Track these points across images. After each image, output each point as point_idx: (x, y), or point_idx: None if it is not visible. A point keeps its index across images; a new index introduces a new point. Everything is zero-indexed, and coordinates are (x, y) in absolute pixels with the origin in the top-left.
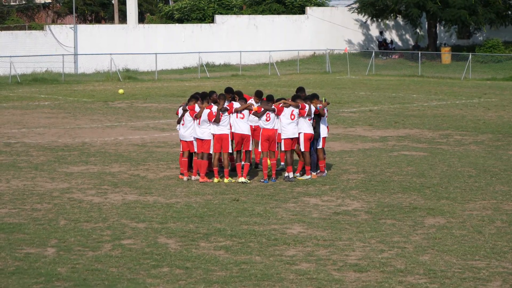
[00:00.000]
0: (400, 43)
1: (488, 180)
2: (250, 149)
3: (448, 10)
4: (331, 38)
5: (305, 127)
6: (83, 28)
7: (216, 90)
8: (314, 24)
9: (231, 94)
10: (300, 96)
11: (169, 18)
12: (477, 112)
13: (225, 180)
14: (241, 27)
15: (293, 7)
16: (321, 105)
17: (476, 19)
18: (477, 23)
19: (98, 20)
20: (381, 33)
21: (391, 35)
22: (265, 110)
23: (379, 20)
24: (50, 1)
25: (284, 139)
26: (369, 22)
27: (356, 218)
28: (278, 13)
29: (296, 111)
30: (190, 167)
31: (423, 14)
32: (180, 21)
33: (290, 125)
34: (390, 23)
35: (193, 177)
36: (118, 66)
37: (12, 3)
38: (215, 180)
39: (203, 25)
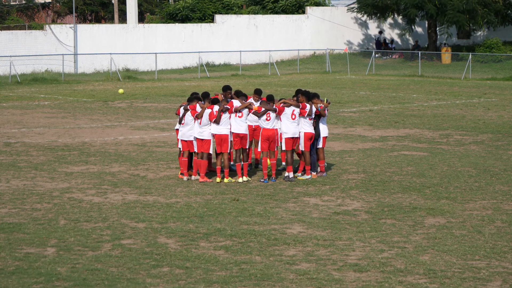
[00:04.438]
0: (400, 43)
1: (488, 180)
2: (247, 147)
3: (446, 13)
4: (331, 37)
5: (306, 126)
6: (83, 28)
7: (215, 90)
8: (314, 24)
9: (229, 91)
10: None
11: (171, 18)
12: (477, 112)
13: (225, 180)
14: (241, 27)
15: (291, 6)
16: (321, 105)
17: (474, 21)
18: (475, 24)
19: (98, 19)
20: (380, 32)
21: (391, 35)
22: (266, 110)
23: (379, 18)
24: (50, 1)
25: (285, 138)
26: (368, 21)
27: (356, 218)
28: (275, 13)
29: (297, 110)
30: (190, 167)
31: (423, 13)
32: (182, 20)
33: (291, 124)
34: (390, 22)
35: (193, 177)
36: (118, 66)
37: (12, 3)
38: (217, 179)
39: (203, 24)
